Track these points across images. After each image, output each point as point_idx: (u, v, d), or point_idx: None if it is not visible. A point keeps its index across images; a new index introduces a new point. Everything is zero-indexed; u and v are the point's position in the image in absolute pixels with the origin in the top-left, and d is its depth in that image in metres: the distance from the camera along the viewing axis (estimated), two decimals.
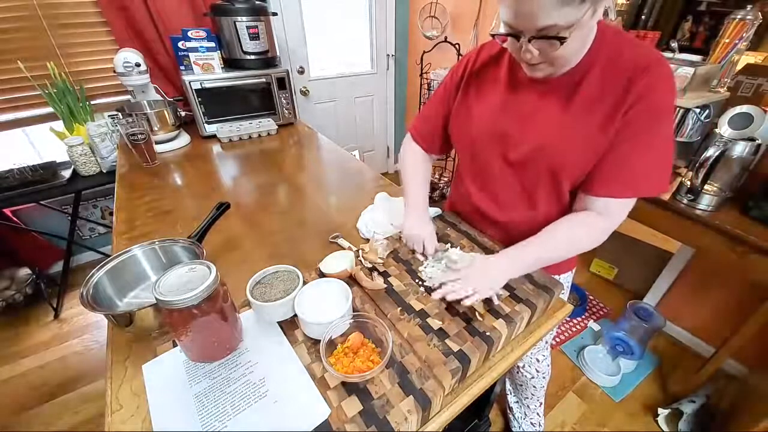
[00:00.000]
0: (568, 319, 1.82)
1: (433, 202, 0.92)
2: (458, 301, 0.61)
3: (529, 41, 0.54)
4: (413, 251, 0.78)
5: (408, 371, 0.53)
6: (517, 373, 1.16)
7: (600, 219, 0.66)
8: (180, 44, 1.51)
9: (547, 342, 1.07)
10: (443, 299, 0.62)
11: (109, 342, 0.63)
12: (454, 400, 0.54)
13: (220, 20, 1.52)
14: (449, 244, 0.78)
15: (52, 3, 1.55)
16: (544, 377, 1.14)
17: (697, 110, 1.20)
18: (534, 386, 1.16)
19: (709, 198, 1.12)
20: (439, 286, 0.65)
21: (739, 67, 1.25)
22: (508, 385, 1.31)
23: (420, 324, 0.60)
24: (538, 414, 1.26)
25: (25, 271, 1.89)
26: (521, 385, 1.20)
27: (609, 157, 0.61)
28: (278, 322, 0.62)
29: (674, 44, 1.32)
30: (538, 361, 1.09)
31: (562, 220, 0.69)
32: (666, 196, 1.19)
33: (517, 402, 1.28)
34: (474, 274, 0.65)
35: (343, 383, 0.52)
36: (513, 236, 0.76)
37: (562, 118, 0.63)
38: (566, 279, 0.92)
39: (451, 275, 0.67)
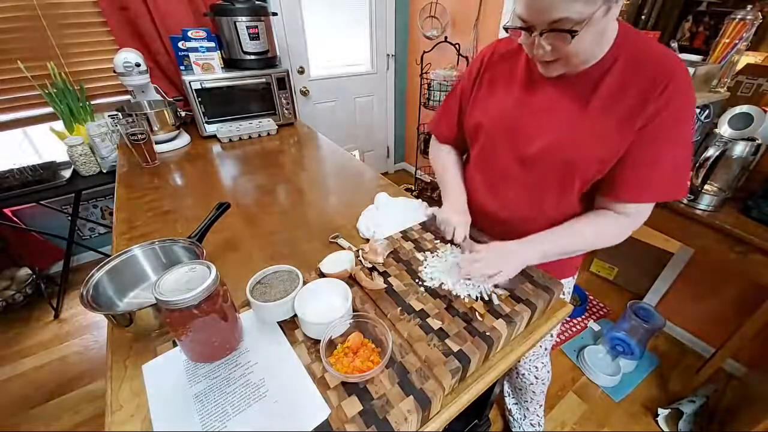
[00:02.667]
0: (568, 319, 1.82)
1: (433, 201, 0.91)
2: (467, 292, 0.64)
3: (541, 35, 0.54)
4: (417, 248, 0.78)
5: (408, 371, 0.53)
6: (517, 378, 1.15)
7: (622, 219, 0.68)
8: (180, 44, 1.51)
9: (546, 349, 1.06)
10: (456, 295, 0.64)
11: (109, 342, 0.63)
12: (454, 400, 0.54)
13: (220, 20, 1.52)
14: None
15: (52, 3, 1.55)
16: (543, 383, 1.14)
17: (697, 110, 1.20)
18: (533, 391, 1.16)
19: (709, 198, 1.12)
20: (439, 284, 0.66)
21: (739, 67, 1.24)
22: (506, 388, 1.31)
23: (420, 324, 0.60)
24: (537, 415, 1.26)
25: (25, 271, 1.89)
26: (520, 389, 1.20)
27: (633, 161, 0.62)
28: (278, 322, 0.62)
29: (674, 44, 1.32)
30: (536, 368, 1.08)
31: (587, 216, 0.70)
32: None
33: (517, 404, 1.28)
34: (493, 256, 0.66)
35: (343, 383, 0.52)
36: (515, 236, 0.76)
37: (578, 116, 0.63)
38: (567, 284, 0.91)
39: (455, 272, 0.68)
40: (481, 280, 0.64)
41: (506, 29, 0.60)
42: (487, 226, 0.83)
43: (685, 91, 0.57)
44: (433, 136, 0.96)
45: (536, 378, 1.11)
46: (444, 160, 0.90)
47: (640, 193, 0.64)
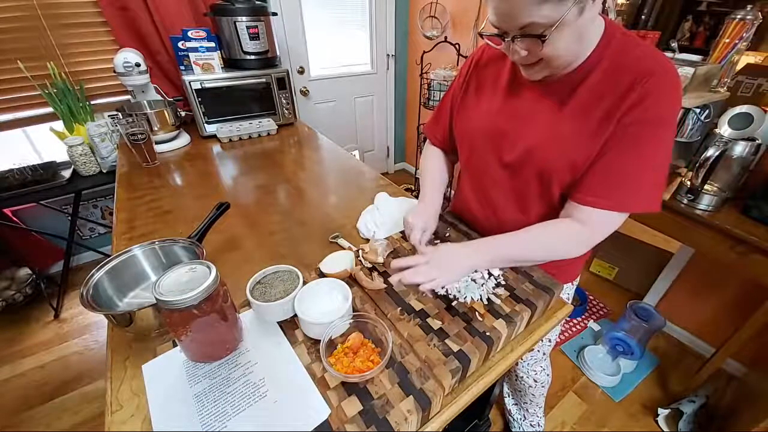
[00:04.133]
0: (568, 319, 1.82)
1: None
2: (417, 286, 0.60)
3: (513, 40, 0.54)
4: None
5: (408, 371, 0.53)
6: (516, 380, 1.15)
7: (580, 228, 0.63)
8: (180, 44, 1.51)
9: (545, 354, 1.05)
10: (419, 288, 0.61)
11: (109, 342, 0.63)
12: (454, 400, 0.54)
13: (220, 20, 1.52)
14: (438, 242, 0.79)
15: (52, 3, 1.55)
16: (543, 386, 1.14)
17: (697, 110, 1.20)
18: (533, 394, 1.16)
19: (709, 198, 1.12)
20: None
21: (739, 67, 1.24)
22: (506, 389, 1.31)
23: (420, 324, 0.60)
24: (537, 415, 1.26)
25: (25, 271, 1.89)
26: (520, 392, 1.20)
27: (597, 164, 0.59)
28: (278, 322, 0.62)
29: (674, 44, 1.32)
30: (535, 372, 1.08)
31: (543, 224, 0.67)
32: (666, 196, 1.19)
33: (516, 404, 1.28)
34: (436, 261, 0.63)
35: (343, 383, 0.52)
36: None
37: (554, 121, 0.62)
38: (567, 290, 0.90)
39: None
40: (427, 285, 0.61)
41: (481, 36, 0.59)
42: (480, 231, 0.83)
43: (665, 91, 0.53)
44: (427, 137, 0.95)
45: (535, 381, 1.10)
46: (428, 164, 0.90)
47: (597, 198, 0.60)
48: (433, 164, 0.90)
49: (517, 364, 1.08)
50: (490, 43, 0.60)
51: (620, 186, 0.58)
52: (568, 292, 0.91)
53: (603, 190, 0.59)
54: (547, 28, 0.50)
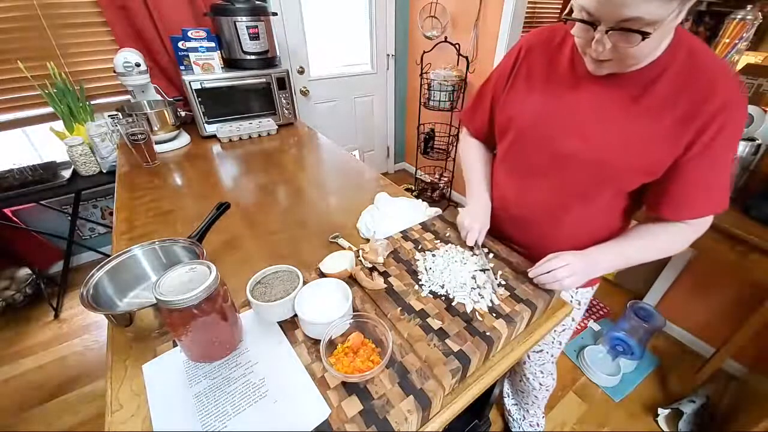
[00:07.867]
0: None
1: (433, 201, 0.91)
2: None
3: (607, 32, 0.50)
4: (417, 248, 0.78)
5: (408, 371, 0.53)
6: (520, 381, 1.14)
7: (690, 230, 0.67)
8: (180, 44, 1.51)
9: (553, 356, 1.03)
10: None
11: (109, 342, 0.63)
12: (454, 400, 0.54)
13: (220, 20, 1.52)
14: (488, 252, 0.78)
15: (52, 3, 1.55)
16: (547, 390, 1.13)
17: None
18: (536, 396, 1.15)
19: None
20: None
21: (739, 67, 1.25)
22: (506, 389, 1.31)
23: (420, 324, 0.60)
24: (537, 416, 1.25)
25: (25, 271, 1.89)
26: (523, 392, 1.19)
27: (695, 178, 0.59)
28: (278, 322, 0.62)
29: None
30: (542, 374, 1.07)
31: (658, 228, 0.68)
32: None
33: (516, 405, 1.28)
34: (575, 266, 0.65)
35: (343, 383, 0.52)
36: (529, 235, 0.76)
37: (625, 119, 0.59)
38: (588, 293, 0.90)
39: (453, 279, 0.68)
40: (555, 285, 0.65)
41: (565, 21, 0.55)
42: (502, 221, 0.82)
43: (744, 114, 0.56)
44: (464, 127, 0.92)
45: (541, 385, 1.10)
46: (472, 156, 0.87)
47: (702, 210, 0.63)
48: (476, 157, 0.87)
49: (525, 364, 1.08)
50: (574, 30, 0.56)
51: (718, 190, 0.62)
52: (585, 297, 0.91)
53: (708, 201, 0.62)
54: (647, 25, 0.47)
